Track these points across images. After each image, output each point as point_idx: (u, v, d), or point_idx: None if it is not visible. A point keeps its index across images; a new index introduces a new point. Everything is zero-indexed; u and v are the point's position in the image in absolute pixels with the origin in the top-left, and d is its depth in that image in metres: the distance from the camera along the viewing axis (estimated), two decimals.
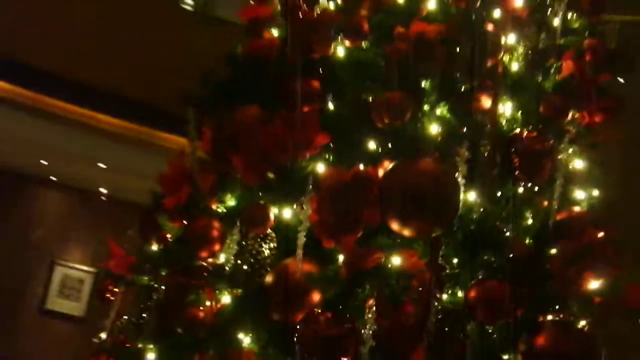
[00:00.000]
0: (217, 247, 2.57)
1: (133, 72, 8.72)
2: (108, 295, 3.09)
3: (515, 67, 2.65)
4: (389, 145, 2.41)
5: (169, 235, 2.78)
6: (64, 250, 10.73)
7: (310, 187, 2.34)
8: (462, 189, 2.37)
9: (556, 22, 2.82)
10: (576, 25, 2.91)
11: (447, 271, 2.37)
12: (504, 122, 2.58)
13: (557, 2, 2.76)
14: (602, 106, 2.79)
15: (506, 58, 2.61)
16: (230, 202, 2.60)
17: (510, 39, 2.62)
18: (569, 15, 2.88)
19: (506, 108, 2.63)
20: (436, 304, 2.33)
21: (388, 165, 2.38)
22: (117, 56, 8.73)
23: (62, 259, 10.40)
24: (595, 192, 2.81)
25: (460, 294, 2.34)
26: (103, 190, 10.65)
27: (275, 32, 2.76)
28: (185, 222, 2.67)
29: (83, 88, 9.06)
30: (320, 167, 2.44)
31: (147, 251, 2.84)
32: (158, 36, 8.66)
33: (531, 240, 2.55)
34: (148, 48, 8.70)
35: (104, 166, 9.82)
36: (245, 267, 2.54)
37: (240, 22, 2.91)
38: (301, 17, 2.60)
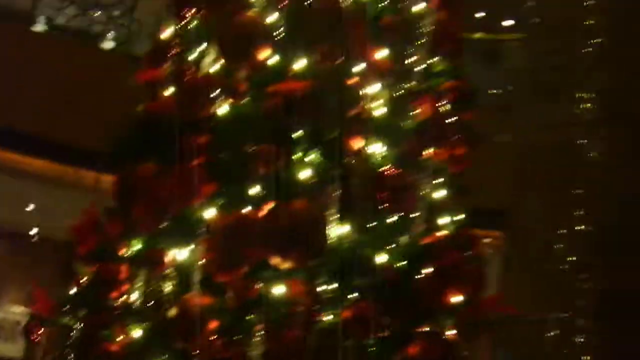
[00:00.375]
0: (125, 287, 2.95)
1: (55, 114, 9.01)
2: (34, 336, 3.44)
3: (380, 112, 3.08)
4: (268, 189, 2.81)
5: (83, 279, 3.15)
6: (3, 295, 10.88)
7: (202, 230, 2.74)
8: (333, 223, 2.80)
9: (418, 67, 3.27)
10: (439, 68, 3.36)
11: (325, 295, 2.78)
12: (372, 161, 3.00)
13: (419, 50, 3.20)
14: (462, 141, 3.24)
15: (371, 105, 3.03)
16: (137, 246, 2.98)
17: (374, 88, 3.05)
18: (432, 59, 3.32)
19: (375, 148, 3.06)
20: (317, 325, 2.74)
21: (268, 207, 2.79)
22: (40, 99, 9.02)
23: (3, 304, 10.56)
24: (460, 217, 3.25)
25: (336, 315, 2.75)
26: (34, 231, 10.86)
27: (169, 92, 3.15)
28: (96, 266, 3.04)
29: (7, 132, 9.30)
30: (210, 212, 2.83)
31: (66, 294, 3.20)
32: (79, 77, 8.98)
33: (402, 263, 2.98)
34: (69, 90, 9.02)
35: (33, 207, 10.04)
36: (151, 303, 2.92)
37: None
38: (187, 80, 3.00)
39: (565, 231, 4.36)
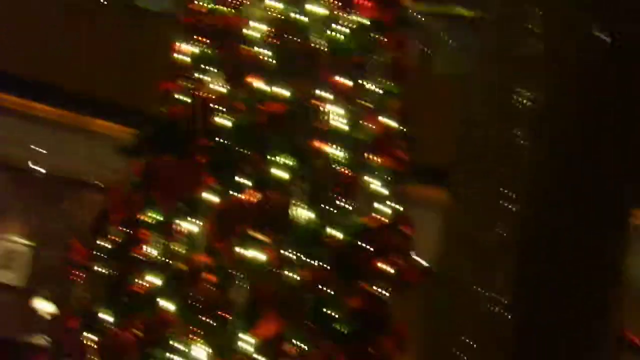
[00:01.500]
0: (146, 246, 4.20)
1: (68, 65, 10.16)
2: (72, 277, 4.68)
3: (339, 125, 4.30)
4: (254, 182, 4.07)
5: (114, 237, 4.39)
6: (3, 225, 12.04)
7: (205, 209, 4.01)
8: (302, 209, 4.05)
9: (370, 87, 4.47)
10: (389, 88, 4.56)
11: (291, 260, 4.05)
12: (331, 163, 4.24)
13: (372, 77, 4.41)
14: (402, 147, 4.47)
15: (332, 120, 4.26)
16: (157, 217, 4.23)
17: (335, 108, 4.27)
18: (383, 84, 4.52)
19: (334, 152, 4.28)
20: (284, 281, 4.01)
21: (254, 194, 4.04)
22: (52, 50, 10.19)
23: (2, 232, 11.72)
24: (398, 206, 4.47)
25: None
26: (39, 169, 12.05)
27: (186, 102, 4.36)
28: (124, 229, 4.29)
29: (22, 81, 10.46)
30: (211, 197, 4.08)
31: (100, 246, 4.44)
32: (89, 31, 10.11)
33: (349, 238, 4.23)
34: (79, 42, 10.16)
35: (40, 149, 11.22)
36: (167, 259, 4.18)
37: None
38: (200, 95, 4.23)
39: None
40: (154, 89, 4.41)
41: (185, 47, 4.43)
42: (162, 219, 4.13)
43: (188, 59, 4.39)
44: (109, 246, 4.35)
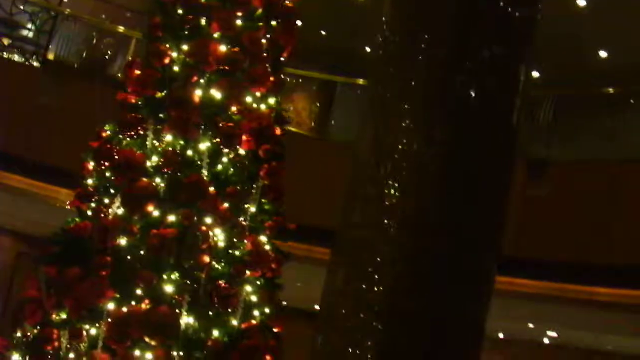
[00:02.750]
0: (55, 343, 5.15)
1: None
2: None
3: (221, 243, 5.30)
4: (148, 294, 5.05)
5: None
6: None
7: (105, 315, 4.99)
8: (187, 317, 5.05)
9: (250, 208, 5.48)
10: (267, 208, 5.56)
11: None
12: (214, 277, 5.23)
13: (250, 198, 5.42)
14: (276, 259, 5.49)
15: (214, 238, 5.26)
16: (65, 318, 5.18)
17: (218, 229, 5.27)
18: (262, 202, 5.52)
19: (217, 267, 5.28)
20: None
21: (147, 305, 5.02)
22: None
23: None
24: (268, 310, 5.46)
25: None
26: None
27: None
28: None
29: None
30: (110, 306, 5.06)
31: (17, 338, 5.38)
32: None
33: (227, 340, 5.23)
34: None
35: None
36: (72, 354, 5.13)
37: None
38: (102, 216, 5.19)
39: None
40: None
41: (90, 168, 5.39)
42: (69, 320, 5.07)
43: (93, 182, 5.34)
44: (24, 339, 5.28)
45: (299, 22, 5.78)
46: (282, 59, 5.74)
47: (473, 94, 3.71)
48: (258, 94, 5.47)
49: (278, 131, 5.58)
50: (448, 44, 3.62)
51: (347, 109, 13.54)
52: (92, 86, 11.46)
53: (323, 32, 14.02)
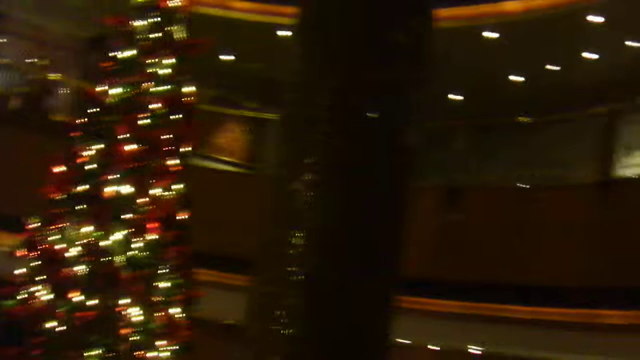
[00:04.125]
0: None
1: None
2: None
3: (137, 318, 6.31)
4: None
5: None
6: None
7: None
8: None
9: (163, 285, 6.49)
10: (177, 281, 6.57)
11: None
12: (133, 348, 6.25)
13: (161, 275, 6.43)
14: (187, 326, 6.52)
15: (131, 315, 6.27)
16: None
17: (133, 308, 6.29)
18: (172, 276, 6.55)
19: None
20: None
21: None
22: None
23: None
24: None
25: None
26: None
27: None
28: None
29: None
30: None
31: None
32: None
33: None
34: None
35: None
36: None
37: None
38: (31, 303, 6.19)
39: None
40: None
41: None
42: None
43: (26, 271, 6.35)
44: None
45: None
46: (185, 149, 6.73)
47: (367, 119, 4.00)
48: (163, 186, 6.47)
49: (183, 214, 6.59)
50: (342, 73, 3.98)
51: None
52: (22, 131, 12.13)
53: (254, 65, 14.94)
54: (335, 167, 3.92)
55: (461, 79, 13.83)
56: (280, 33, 13.01)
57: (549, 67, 13.24)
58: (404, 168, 4.07)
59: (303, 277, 3.81)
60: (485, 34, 12.67)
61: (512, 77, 13.71)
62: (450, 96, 14.52)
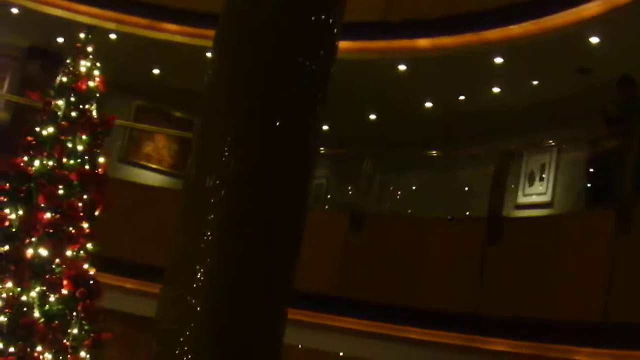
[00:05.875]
0: None
1: None
2: None
3: None
4: None
5: None
6: None
7: None
8: None
9: (74, 332, 7.88)
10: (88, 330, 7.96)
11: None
12: None
13: (73, 325, 7.82)
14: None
15: None
16: None
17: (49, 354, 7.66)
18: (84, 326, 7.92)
19: None
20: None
21: None
22: None
23: None
24: None
25: None
26: None
27: None
28: None
29: None
30: None
31: None
32: None
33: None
34: None
35: None
36: None
37: None
38: None
39: None
40: None
41: None
42: None
43: None
44: None
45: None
46: (96, 213, 8.08)
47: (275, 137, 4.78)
48: (76, 248, 7.83)
49: (92, 271, 7.96)
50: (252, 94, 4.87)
51: None
52: None
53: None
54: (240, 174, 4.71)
55: (373, 106, 15.20)
56: (209, 54, 14.19)
57: (456, 99, 14.57)
58: (306, 174, 4.98)
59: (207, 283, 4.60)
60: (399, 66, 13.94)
61: (421, 108, 15.02)
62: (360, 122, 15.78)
